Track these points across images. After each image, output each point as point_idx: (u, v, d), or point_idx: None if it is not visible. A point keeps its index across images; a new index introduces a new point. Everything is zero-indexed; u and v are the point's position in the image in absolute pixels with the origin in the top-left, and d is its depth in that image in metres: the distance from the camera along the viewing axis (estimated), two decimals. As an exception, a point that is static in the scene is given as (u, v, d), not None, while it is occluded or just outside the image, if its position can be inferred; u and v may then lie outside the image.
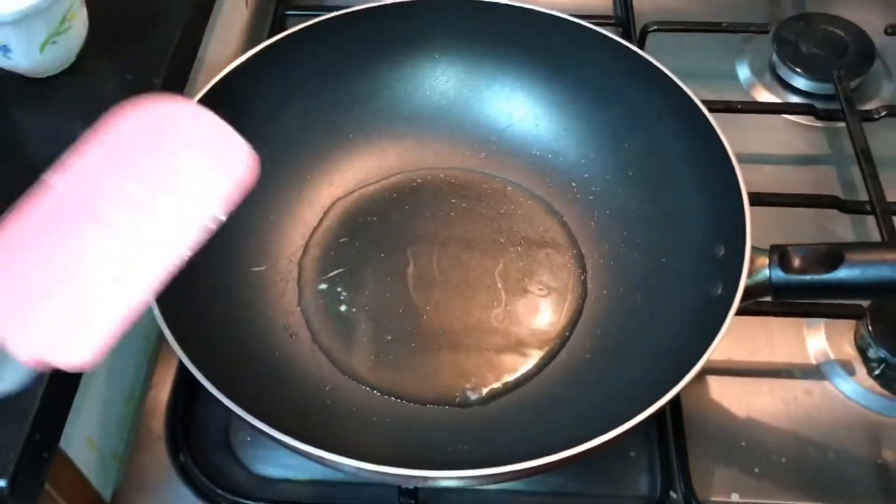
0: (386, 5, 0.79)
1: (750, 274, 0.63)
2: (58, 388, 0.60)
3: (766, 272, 0.64)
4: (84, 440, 0.68)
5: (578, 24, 0.78)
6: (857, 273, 0.62)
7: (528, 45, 0.81)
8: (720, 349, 0.60)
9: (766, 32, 0.96)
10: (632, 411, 0.59)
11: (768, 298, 0.64)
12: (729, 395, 0.74)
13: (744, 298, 0.62)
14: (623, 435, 0.57)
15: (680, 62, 0.92)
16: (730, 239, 0.66)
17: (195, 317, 0.63)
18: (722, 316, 0.62)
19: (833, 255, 0.63)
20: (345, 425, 0.66)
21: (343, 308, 0.74)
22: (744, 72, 0.98)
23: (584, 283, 0.76)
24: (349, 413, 0.67)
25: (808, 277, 0.63)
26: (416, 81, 0.84)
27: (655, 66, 0.76)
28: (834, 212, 0.83)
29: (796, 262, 0.63)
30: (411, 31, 0.81)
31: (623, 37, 0.95)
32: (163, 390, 0.74)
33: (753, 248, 0.64)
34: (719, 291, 0.65)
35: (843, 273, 0.62)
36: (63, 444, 0.62)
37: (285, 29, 0.93)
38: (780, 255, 0.64)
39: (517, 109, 0.84)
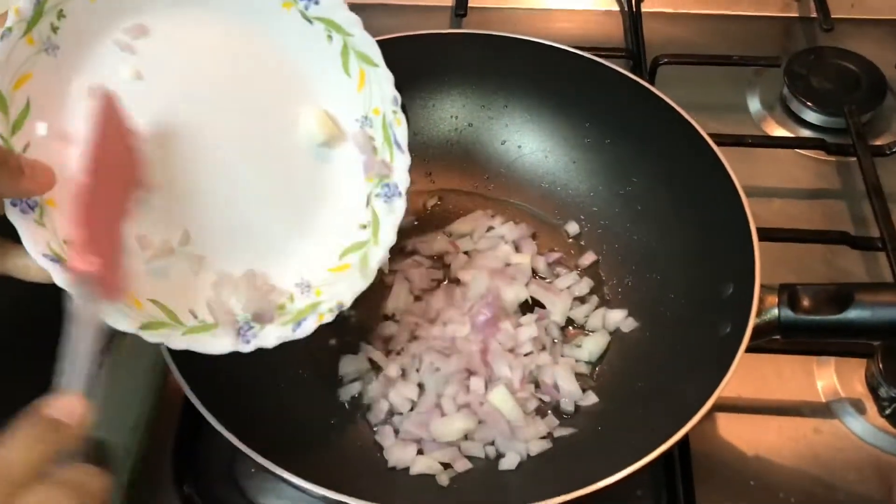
0: (397, 38, 0.80)
1: (758, 313, 0.63)
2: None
3: (775, 311, 0.63)
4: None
5: (588, 58, 0.79)
6: (867, 314, 0.62)
7: (538, 78, 0.82)
8: (729, 385, 0.60)
9: (778, 66, 0.96)
10: (638, 452, 0.59)
11: (777, 338, 0.64)
12: (737, 433, 0.73)
13: (752, 338, 0.62)
14: (629, 476, 0.57)
15: (690, 94, 0.93)
16: (738, 277, 0.66)
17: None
18: (730, 356, 0.61)
19: (843, 296, 0.62)
20: (348, 461, 0.66)
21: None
22: (755, 104, 0.98)
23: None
24: (353, 449, 0.67)
25: (817, 318, 0.63)
26: (427, 111, 0.85)
27: (664, 101, 0.76)
28: (845, 247, 0.82)
29: (806, 302, 0.63)
30: (422, 63, 0.81)
31: (634, 69, 0.96)
32: (170, 419, 0.73)
33: (762, 287, 0.64)
34: (728, 330, 0.64)
35: (852, 314, 0.62)
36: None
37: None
38: (789, 294, 0.64)
39: (527, 142, 0.84)
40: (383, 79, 0.62)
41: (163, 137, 0.57)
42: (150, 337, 0.55)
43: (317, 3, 0.60)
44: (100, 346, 0.49)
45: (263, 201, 0.62)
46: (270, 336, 0.58)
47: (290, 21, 0.60)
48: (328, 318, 0.60)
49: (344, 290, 0.61)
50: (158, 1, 0.57)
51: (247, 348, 0.58)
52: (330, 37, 0.61)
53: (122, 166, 0.55)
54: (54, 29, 0.53)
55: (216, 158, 0.60)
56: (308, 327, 0.59)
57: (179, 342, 0.56)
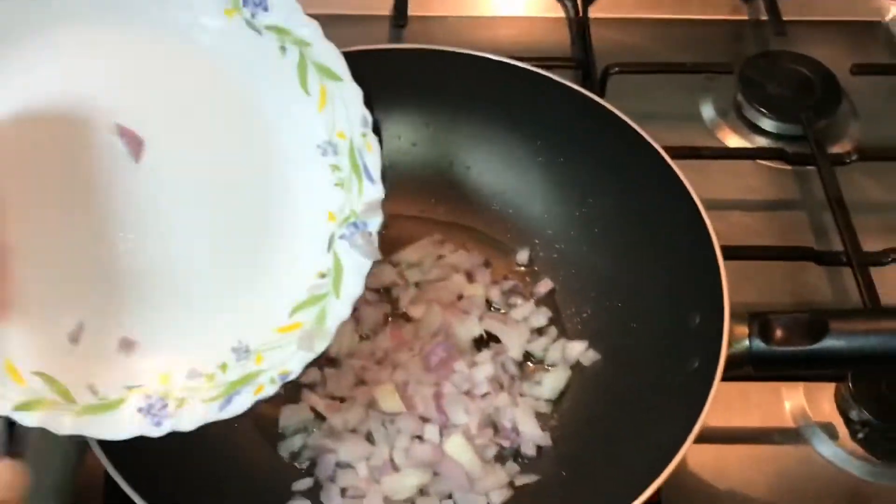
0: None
1: (728, 345, 0.59)
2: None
3: (746, 343, 0.60)
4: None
5: (535, 72, 0.74)
6: (842, 344, 0.58)
7: (484, 93, 0.77)
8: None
9: (731, 72, 0.93)
10: (608, 500, 0.55)
11: (748, 370, 0.60)
12: (707, 465, 0.70)
13: (723, 371, 0.58)
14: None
15: (642, 104, 0.89)
16: (705, 306, 0.62)
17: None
18: (702, 394, 0.58)
19: (817, 325, 0.59)
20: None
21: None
22: (708, 112, 0.94)
23: (548, 351, 0.71)
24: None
25: (790, 349, 0.59)
26: (367, 132, 0.79)
27: (616, 115, 0.72)
28: (809, 263, 0.79)
29: (778, 333, 0.60)
30: (360, 80, 0.75)
31: (584, 80, 0.92)
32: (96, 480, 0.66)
33: (732, 317, 0.60)
34: (696, 365, 0.61)
35: (827, 343, 0.58)
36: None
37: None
38: (760, 324, 0.60)
39: (475, 161, 0.79)
40: (349, 96, 0.54)
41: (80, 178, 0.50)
42: (29, 419, 0.46)
43: (266, 9, 0.51)
44: None
45: (200, 245, 0.53)
46: (190, 416, 0.50)
47: (232, 32, 0.52)
48: (269, 390, 0.51)
49: (292, 355, 0.52)
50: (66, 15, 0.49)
51: (156, 432, 0.49)
52: (283, 48, 0.53)
53: None
54: None
55: (147, 197, 0.52)
56: (240, 405, 0.50)
57: (68, 426, 0.48)
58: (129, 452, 0.53)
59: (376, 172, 0.54)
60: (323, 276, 0.54)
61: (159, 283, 0.53)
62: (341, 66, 0.54)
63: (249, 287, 0.54)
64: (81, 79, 0.51)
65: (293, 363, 0.52)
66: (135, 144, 0.52)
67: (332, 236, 0.54)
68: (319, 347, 0.52)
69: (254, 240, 0.55)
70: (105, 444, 0.53)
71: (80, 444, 0.64)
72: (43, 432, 0.63)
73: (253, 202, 0.55)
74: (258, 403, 0.51)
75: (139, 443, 0.54)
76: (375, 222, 0.54)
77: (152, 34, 0.52)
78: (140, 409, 0.50)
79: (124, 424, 0.49)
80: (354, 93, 0.54)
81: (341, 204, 0.55)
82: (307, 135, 0.54)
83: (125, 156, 0.52)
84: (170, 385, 0.51)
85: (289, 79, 0.54)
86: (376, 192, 0.54)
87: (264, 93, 0.54)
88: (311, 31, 0.52)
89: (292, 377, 0.52)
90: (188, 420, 0.50)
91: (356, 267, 0.53)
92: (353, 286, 0.53)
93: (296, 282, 0.54)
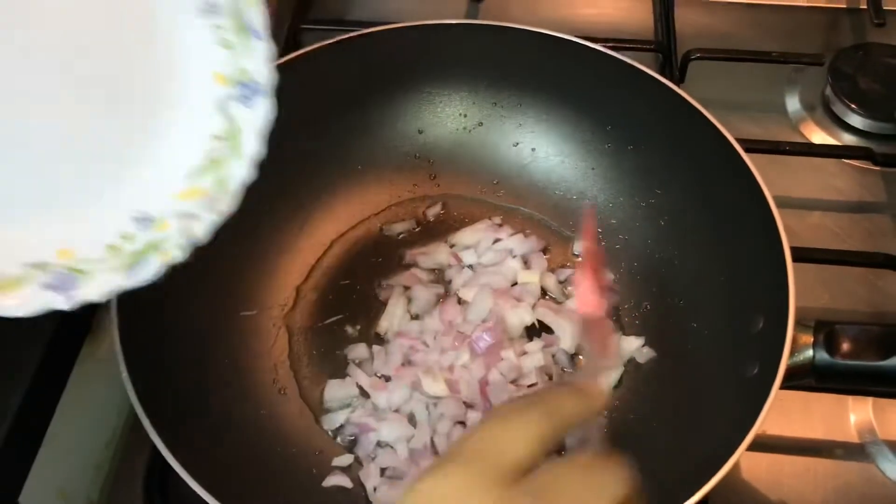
0: (403, 27, 0.73)
1: (791, 353, 0.56)
2: (17, 444, 0.55)
3: (810, 353, 0.57)
4: (54, 494, 0.63)
5: (611, 55, 0.71)
6: (915, 363, 0.55)
7: (556, 75, 0.74)
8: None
9: (821, 64, 0.88)
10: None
11: (809, 382, 0.58)
12: (760, 474, 0.67)
13: (782, 381, 0.56)
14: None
15: (724, 92, 0.86)
16: (770, 310, 0.59)
17: (170, 379, 0.57)
18: (757, 403, 0.55)
19: (889, 340, 0.55)
20: (329, 501, 0.60)
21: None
22: (794, 105, 0.90)
23: (604, 344, 0.69)
24: (335, 487, 0.62)
25: (857, 363, 0.56)
26: (434, 108, 0.78)
27: (692, 105, 0.68)
28: (888, 271, 0.75)
29: (845, 345, 0.56)
30: (429, 55, 0.75)
31: (663, 63, 0.89)
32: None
33: (797, 324, 0.57)
34: (755, 371, 0.58)
35: (898, 361, 0.55)
36: (25, 500, 0.57)
37: (300, 44, 0.88)
38: (826, 334, 0.57)
39: (542, 144, 0.77)
40: None
41: None
42: None
43: None
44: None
45: (85, 115, 0.50)
46: (98, 286, 0.48)
47: None
48: (177, 256, 0.49)
49: (199, 220, 0.51)
50: None
51: (67, 305, 0.47)
52: None
53: None
54: None
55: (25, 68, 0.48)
56: (146, 271, 0.49)
57: None
58: (174, 421, 0.54)
59: (262, 27, 0.51)
60: (219, 139, 0.53)
61: (43, 156, 0.50)
62: None
63: (141, 155, 0.52)
64: None
65: (199, 227, 0.51)
66: None
67: (224, 98, 0.53)
68: (225, 209, 0.51)
69: (140, 107, 0.52)
70: (153, 417, 0.54)
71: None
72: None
73: (136, 68, 0.52)
74: (167, 269, 0.50)
75: (182, 409, 0.55)
76: (266, 78, 0.52)
77: None
78: (47, 286, 0.48)
79: (32, 300, 0.47)
80: None
81: (229, 64, 0.52)
82: None
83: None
84: (71, 259, 0.49)
85: None
86: (264, 48, 0.51)
87: None
88: None
89: (199, 241, 0.51)
90: (97, 290, 0.48)
91: (253, 127, 0.52)
92: (253, 146, 0.52)
93: (189, 146, 0.53)
